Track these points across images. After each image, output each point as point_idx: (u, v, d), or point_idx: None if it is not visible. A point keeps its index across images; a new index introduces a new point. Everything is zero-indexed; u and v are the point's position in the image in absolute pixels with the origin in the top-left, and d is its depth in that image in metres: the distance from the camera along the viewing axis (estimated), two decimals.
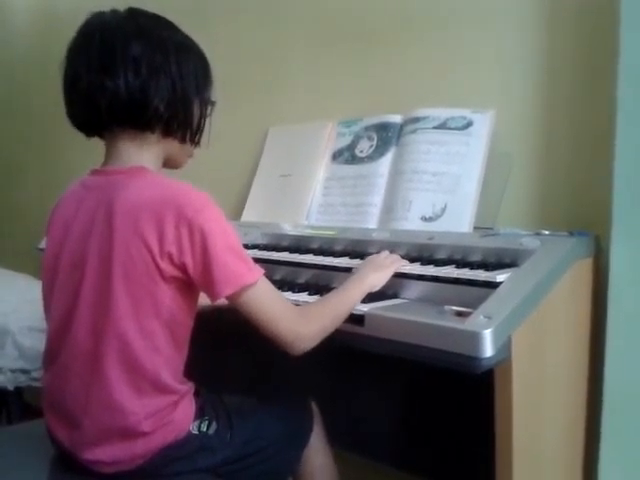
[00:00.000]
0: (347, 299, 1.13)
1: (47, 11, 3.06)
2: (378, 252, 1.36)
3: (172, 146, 1.14)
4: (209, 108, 1.17)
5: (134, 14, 1.10)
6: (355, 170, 1.62)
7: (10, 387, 2.12)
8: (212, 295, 1.02)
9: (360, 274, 1.20)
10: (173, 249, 0.99)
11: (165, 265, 1.00)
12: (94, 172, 1.14)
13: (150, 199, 1.02)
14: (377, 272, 1.21)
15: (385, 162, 1.57)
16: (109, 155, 1.12)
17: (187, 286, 1.04)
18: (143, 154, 1.11)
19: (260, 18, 2.03)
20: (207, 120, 1.17)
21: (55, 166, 2.99)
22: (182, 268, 1.01)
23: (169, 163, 1.18)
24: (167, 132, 1.11)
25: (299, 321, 1.06)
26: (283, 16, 1.97)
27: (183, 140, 1.14)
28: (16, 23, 3.33)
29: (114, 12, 1.09)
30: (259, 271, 1.04)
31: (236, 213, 1.89)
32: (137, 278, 1.01)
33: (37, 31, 3.16)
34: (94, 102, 1.05)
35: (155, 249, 0.99)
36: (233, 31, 2.10)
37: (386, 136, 1.59)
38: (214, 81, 1.18)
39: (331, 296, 1.14)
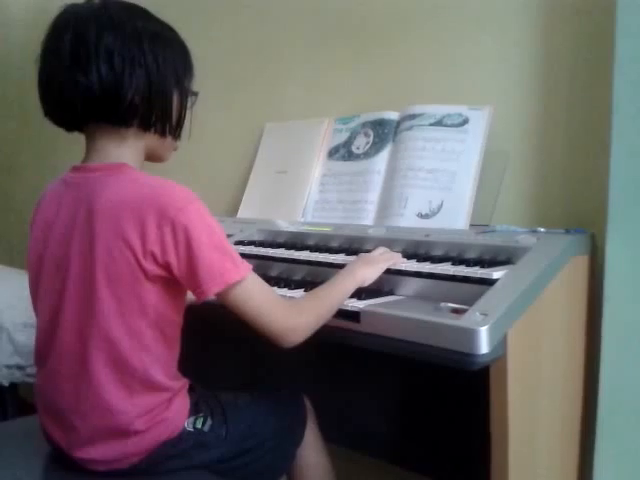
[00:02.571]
0: (337, 293, 1.13)
1: (44, 9, 3.04)
2: (374, 247, 1.36)
3: (152, 140, 1.10)
4: (190, 99, 1.14)
5: (107, 4, 1.05)
6: (351, 167, 1.62)
7: (5, 383, 2.12)
8: (198, 294, 1.01)
9: (351, 268, 1.19)
10: (156, 249, 0.97)
11: (148, 265, 0.98)
12: (74, 169, 1.11)
13: (131, 198, 1.00)
14: (368, 267, 1.20)
15: (381, 159, 1.56)
16: (89, 151, 1.10)
17: (173, 284, 1.02)
18: (123, 150, 1.08)
19: (257, 14, 2.03)
20: (188, 112, 1.13)
21: (51, 163, 2.97)
22: (166, 267, 0.99)
23: (152, 157, 1.15)
24: (145, 126, 1.07)
25: (289, 315, 1.05)
26: (280, 12, 1.96)
27: (163, 134, 1.10)
28: (13, 21, 3.31)
29: (87, 3, 1.06)
30: (246, 267, 1.02)
31: (232, 209, 1.89)
32: (121, 279, 0.99)
33: (34, 29, 3.13)
34: (68, 99, 1.02)
35: (138, 249, 0.97)
36: (231, 27, 2.10)
37: (382, 133, 1.59)
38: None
39: (321, 289, 1.13)
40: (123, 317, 1.01)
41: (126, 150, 1.08)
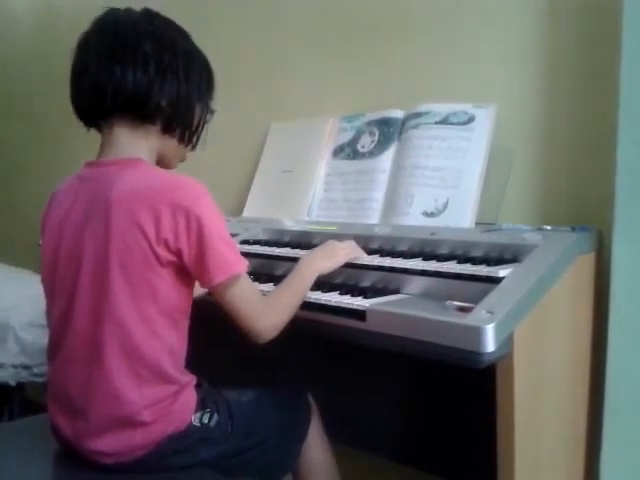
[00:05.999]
0: (303, 287, 1.18)
1: (48, 10, 3.05)
2: (380, 246, 1.37)
3: (169, 144, 1.16)
4: (209, 116, 1.21)
5: (150, 15, 1.14)
6: (357, 165, 1.62)
7: (12, 383, 2.13)
8: (204, 281, 1.06)
9: (311, 259, 1.24)
10: (169, 236, 1.02)
11: (161, 251, 1.03)
12: (89, 164, 1.15)
13: (146, 188, 1.05)
14: (327, 259, 1.25)
15: (387, 157, 1.56)
16: (104, 146, 1.14)
17: (182, 272, 1.07)
18: (139, 146, 1.13)
19: (262, 14, 2.03)
20: (205, 127, 1.20)
21: (55, 163, 2.98)
22: (177, 253, 1.04)
23: (161, 163, 1.20)
24: (167, 129, 1.14)
25: (268, 313, 1.11)
26: (285, 11, 1.96)
27: (182, 139, 1.17)
28: (17, 22, 3.32)
29: (128, 10, 1.13)
30: (245, 262, 1.09)
31: (237, 209, 1.89)
32: (134, 265, 1.03)
33: (38, 30, 3.16)
34: (101, 87, 1.08)
35: (152, 236, 1.02)
36: (235, 27, 2.10)
37: (388, 131, 1.59)
38: (216, 80, 1.21)
39: (290, 285, 1.18)
40: (135, 302, 1.04)
41: (143, 147, 1.13)
